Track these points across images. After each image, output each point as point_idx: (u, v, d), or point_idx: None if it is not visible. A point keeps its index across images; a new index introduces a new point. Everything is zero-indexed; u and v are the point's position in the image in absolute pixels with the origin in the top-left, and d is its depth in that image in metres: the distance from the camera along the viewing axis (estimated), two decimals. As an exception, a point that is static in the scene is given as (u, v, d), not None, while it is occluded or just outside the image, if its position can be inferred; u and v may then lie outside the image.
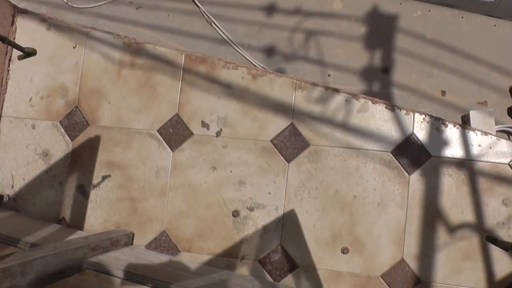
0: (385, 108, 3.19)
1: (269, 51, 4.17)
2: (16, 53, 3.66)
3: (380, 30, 4.21)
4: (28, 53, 2.16)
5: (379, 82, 4.09)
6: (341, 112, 3.21)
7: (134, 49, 3.47)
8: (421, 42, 4.15)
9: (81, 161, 3.39)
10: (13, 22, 3.89)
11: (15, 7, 3.86)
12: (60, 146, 3.43)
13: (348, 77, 4.11)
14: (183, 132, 3.30)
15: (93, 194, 3.36)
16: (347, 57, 4.16)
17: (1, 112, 3.58)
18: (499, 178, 3.06)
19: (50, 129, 3.46)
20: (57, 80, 3.50)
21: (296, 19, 4.21)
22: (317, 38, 4.17)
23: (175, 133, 3.30)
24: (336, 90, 3.25)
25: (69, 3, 4.56)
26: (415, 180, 3.12)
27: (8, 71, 3.68)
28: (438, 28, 4.24)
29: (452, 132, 3.14)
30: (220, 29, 4.19)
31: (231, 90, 3.32)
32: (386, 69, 4.09)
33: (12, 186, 3.47)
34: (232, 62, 3.38)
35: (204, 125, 3.29)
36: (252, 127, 3.26)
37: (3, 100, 3.59)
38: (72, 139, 3.42)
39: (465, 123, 3.81)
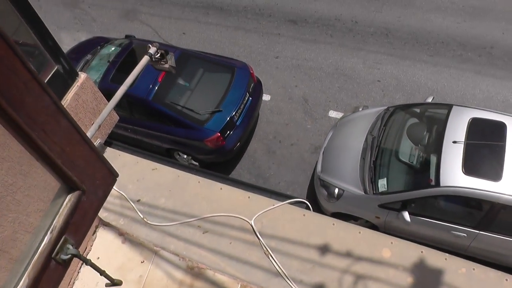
0: None
1: (320, 290, 4.43)
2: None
3: (426, 283, 4.44)
4: (116, 284, 2.56)
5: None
6: None
7: (196, 272, 3.85)
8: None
9: None
10: (94, 232, 4.46)
11: (100, 220, 4.47)
12: None
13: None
14: None
15: None
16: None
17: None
18: None
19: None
20: (122, 290, 3.84)
21: (347, 262, 4.57)
22: (365, 283, 4.43)
23: None
24: None
25: (145, 219, 5.17)
26: None
27: (78, 272, 4.09)
28: (482, 288, 4.43)
29: None
30: (276, 263, 4.57)
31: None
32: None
33: None
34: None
35: None
36: None
37: (68, 299, 3.91)
38: None
39: None
